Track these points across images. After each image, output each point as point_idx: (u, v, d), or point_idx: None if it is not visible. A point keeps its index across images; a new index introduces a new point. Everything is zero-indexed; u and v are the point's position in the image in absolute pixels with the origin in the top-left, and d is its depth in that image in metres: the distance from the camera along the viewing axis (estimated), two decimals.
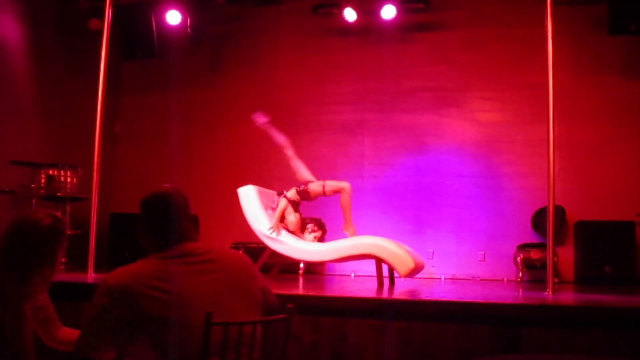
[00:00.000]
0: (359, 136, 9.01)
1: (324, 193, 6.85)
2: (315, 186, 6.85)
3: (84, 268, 6.35)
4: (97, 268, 6.33)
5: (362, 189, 8.68)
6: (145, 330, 2.44)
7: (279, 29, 9.37)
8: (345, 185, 6.80)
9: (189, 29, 9.00)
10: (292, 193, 6.84)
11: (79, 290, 5.06)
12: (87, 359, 2.46)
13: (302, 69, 9.26)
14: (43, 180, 7.54)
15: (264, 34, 9.43)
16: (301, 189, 6.85)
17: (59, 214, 2.98)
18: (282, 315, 2.69)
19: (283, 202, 6.81)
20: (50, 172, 7.59)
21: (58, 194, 7.57)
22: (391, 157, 8.83)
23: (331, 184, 6.85)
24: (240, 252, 3.13)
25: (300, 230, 6.82)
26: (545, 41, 5.80)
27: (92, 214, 6.48)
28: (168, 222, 2.69)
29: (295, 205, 6.86)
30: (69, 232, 7.34)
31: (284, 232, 6.67)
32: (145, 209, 2.76)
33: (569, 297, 5.76)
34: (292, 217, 6.81)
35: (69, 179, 7.72)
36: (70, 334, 2.92)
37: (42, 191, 7.54)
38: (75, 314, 4.14)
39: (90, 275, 6.14)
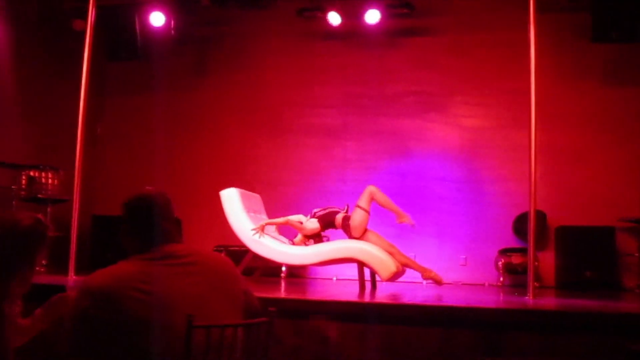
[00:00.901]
0: (343, 140, 9.03)
1: (367, 212, 6.56)
2: (357, 215, 6.57)
3: (65, 270, 6.31)
4: (79, 270, 6.29)
5: (345, 192, 8.68)
6: (126, 333, 2.43)
7: (263, 32, 9.36)
8: (370, 189, 6.65)
9: (173, 31, 8.97)
10: (340, 217, 6.68)
11: (60, 293, 5.02)
12: None
13: (286, 72, 9.26)
14: (24, 181, 7.49)
15: (249, 36, 9.42)
16: (344, 216, 6.69)
17: (41, 216, 2.96)
18: (264, 319, 2.69)
19: (314, 224, 6.75)
20: (32, 173, 7.54)
21: (39, 195, 7.52)
22: (374, 161, 8.85)
23: (362, 199, 6.61)
24: (223, 254, 3.13)
25: (307, 239, 6.82)
26: (528, 48, 5.85)
27: (74, 215, 6.45)
28: (150, 224, 2.68)
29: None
30: (50, 234, 7.32)
31: (266, 236, 6.65)
32: (127, 211, 2.75)
33: (549, 301, 5.80)
34: (311, 225, 6.78)
35: (50, 181, 7.67)
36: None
37: (22, 193, 7.48)
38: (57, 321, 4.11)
39: (71, 278, 6.10)
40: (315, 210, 6.83)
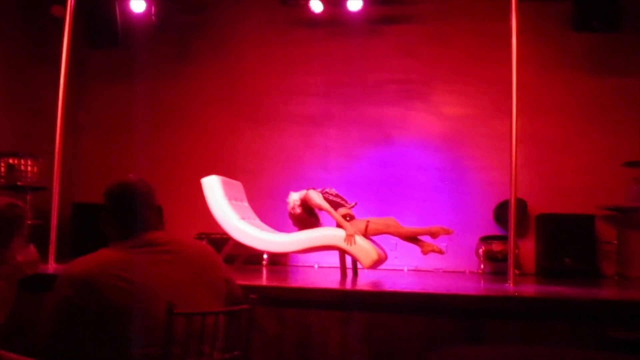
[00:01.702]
0: (325, 128, 9.01)
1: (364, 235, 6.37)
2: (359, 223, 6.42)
3: (45, 259, 6.26)
4: (60, 259, 6.24)
5: (327, 181, 8.65)
6: (107, 320, 2.42)
7: (246, 19, 9.30)
8: (391, 222, 6.49)
9: (154, 18, 8.91)
10: (342, 211, 6.49)
11: (39, 281, 4.98)
12: (50, 350, 2.43)
13: (268, 60, 9.21)
14: (3, 169, 7.42)
15: (231, 23, 9.36)
16: (346, 212, 6.50)
17: (19, 202, 2.94)
18: (245, 306, 2.68)
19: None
20: (11, 161, 7.47)
21: (18, 183, 7.45)
22: (356, 149, 8.84)
23: (376, 224, 6.42)
24: (204, 243, 3.12)
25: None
26: (510, 36, 5.85)
27: (54, 203, 6.38)
28: (132, 212, 2.67)
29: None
30: (29, 222, 7.25)
31: (246, 223, 6.63)
32: (109, 198, 2.74)
33: (529, 288, 5.84)
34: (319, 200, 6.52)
35: (29, 168, 7.60)
36: None
37: (2, 180, 7.42)
38: (36, 305, 4.08)
39: (52, 266, 6.05)
40: (327, 190, 6.70)
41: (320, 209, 6.51)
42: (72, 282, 2.43)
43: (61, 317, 2.44)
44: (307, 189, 6.61)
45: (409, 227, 6.50)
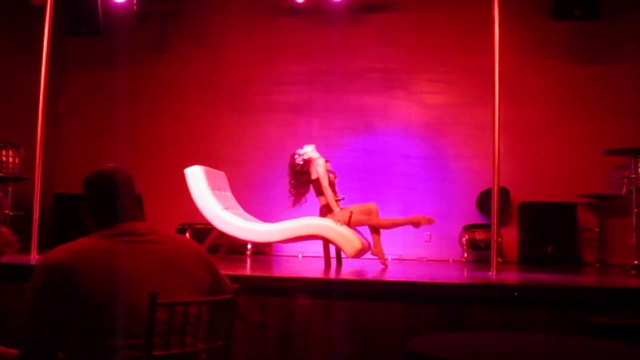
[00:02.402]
0: (307, 117, 9.00)
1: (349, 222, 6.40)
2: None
3: (27, 249, 6.22)
4: (41, 249, 6.20)
5: None
6: (86, 310, 2.40)
7: (227, 7, 9.26)
8: (371, 206, 6.53)
9: (135, 6, 8.84)
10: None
11: (21, 272, 4.96)
12: (29, 340, 2.41)
13: (250, 48, 9.17)
14: None
15: (212, 11, 9.31)
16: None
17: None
18: (228, 296, 2.67)
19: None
20: None
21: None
22: (339, 137, 8.83)
23: (358, 210, 6.49)
24: (187, 237, 3.09)
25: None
26: (491, 25, 5.85)
27: (35, 194, 6.33)
28: (112, 201, 2.64)
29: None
30: (10, 213, 7.19)
31: (230, 213, 6.62)
32: (88, 188, 2.71)
33: (512, 276, 5.86)
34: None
35: (10, 159, 7.54)
36: None
37: None
38: (17, 295, 4.06)
39: (34, 257, 6.01)
40: (331, 170, 6.77)
41: (317, 182, 6.57)
42: (48, 271, 2.41)
43: (38, 306, 2.41)
44: (321, 156, 6.65)
45: (390, 219, 6.52)
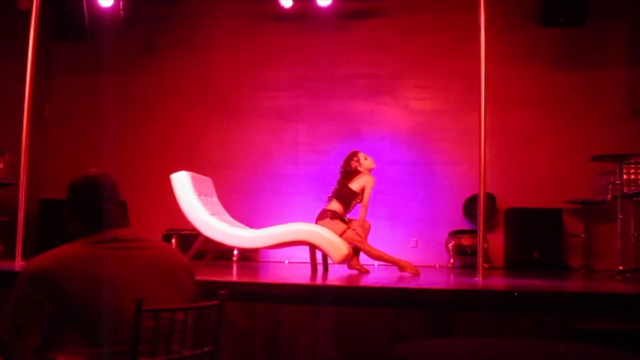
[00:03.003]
0: (294, 122, 8.99)
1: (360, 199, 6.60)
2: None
3: (11, 255, 6.17)
4: (26, 255, 6.15)
5: (297, 175, 8.70)
6: (73, 318, 2.38)
7: (215, 12, 9.24)
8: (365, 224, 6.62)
9: (121, 11, 8.80)
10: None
11: (6, 278, 4.91)
12: (12, 348, 2.38)
13: (237, 54, 9.16)
14: None
15: (200, 17, 9.29)
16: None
17: None
18: (215, 302, 2.66)
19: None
20: None
21: None
22: (326, 144, 8.82)
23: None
24: (170, 245, 3.07)
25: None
26: (478, 31, 5.87)
27: (20, 199, 6.28)
28: (96, 207, 2.62)
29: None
30: None
31: (216, 219, 6.60)
32: (72, 194, 2.69)
33: (498, 282, 5.87)
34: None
35: None
36: None
37: None
38: (2, 302, 4.02)
39: (18, 263, 5.97)
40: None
41: (361, 198, 6.60)
42: (31, 279, 2.38)
43: (21, 314, 2.39)
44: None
45: (380, 252, 6.51)
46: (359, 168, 6.71)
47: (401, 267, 6.37)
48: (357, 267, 6.52)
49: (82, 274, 2.38)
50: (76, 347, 2.37)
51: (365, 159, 6.76)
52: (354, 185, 6.63)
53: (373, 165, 6.78)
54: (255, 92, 9.05)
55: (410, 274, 6.23)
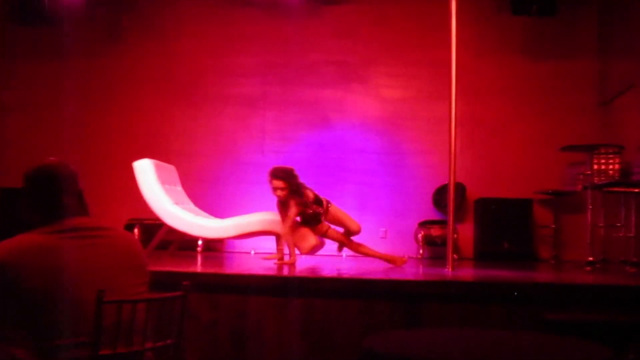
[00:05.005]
0: (261, 110, 8.88)
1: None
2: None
3: None
4: None
5: (263, 164, 8.50)
6: (30, 309, 2.30)
7: None
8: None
9: None
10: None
11: None
12: None
13: (204, 40, 9.02)
14: None
15: (167, 2, 9.13)
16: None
17: None
18: (178, 293, 2.60)
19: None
20: None
21: None
22: (293, 132, 8.75)
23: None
24: (129, 233, 2.99)
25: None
26: (449, 19, 5.82)
27: None
28: (54, 196, 2.60)
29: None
30: None
31: (180, 208, 6.49)
32: (29, 183, 2.64)
33: (467, 273, 5.88)
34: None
35: None
36: None
37: None
38: None
39: None
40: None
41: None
42: None
43: None
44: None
45: (368, 249, 6.32)
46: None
47: (391, 261, 6.20)
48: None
49: (40, 265, 2.36)
50: (34, 340, 2.31)
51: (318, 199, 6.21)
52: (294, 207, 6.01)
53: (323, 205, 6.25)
54: (222, 78, 8.93)
55: (399, 266, 6.11)
